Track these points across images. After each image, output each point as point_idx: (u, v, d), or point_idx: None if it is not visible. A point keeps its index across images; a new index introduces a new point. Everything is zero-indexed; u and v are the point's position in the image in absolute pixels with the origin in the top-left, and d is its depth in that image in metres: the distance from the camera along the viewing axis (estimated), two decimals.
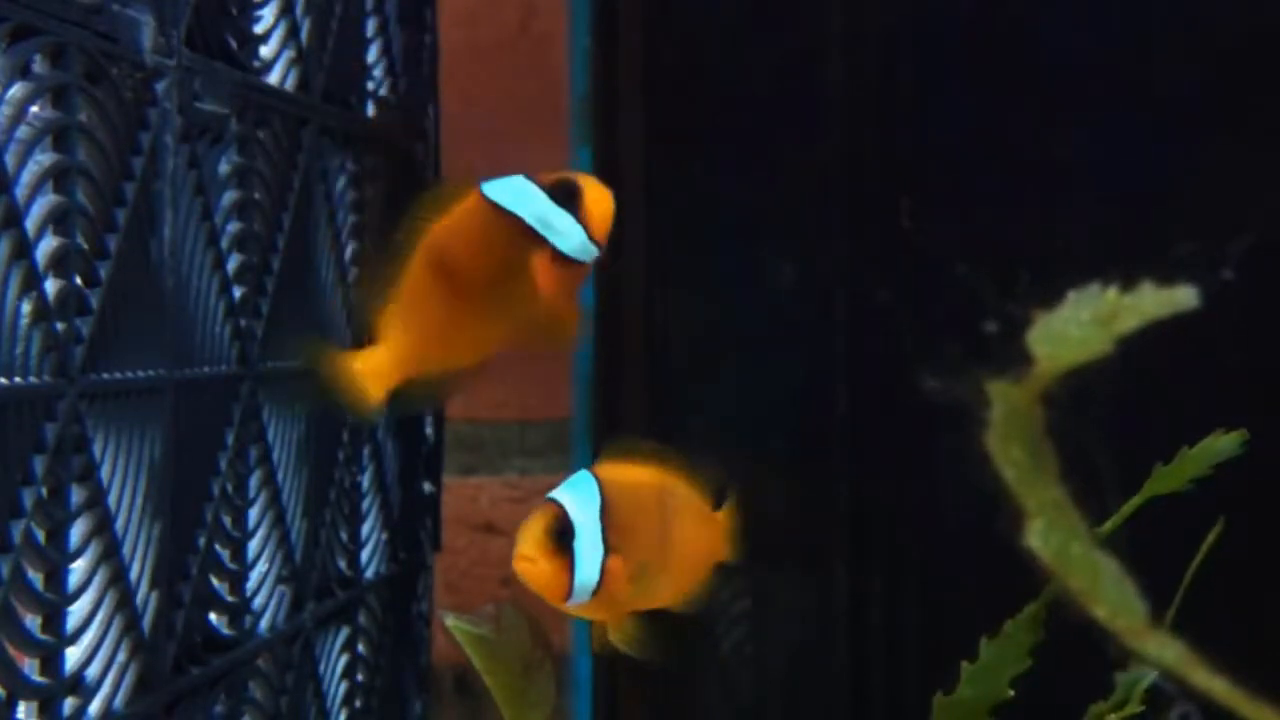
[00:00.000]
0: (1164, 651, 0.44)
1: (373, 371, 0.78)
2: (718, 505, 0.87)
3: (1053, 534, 0.45)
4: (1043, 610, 0.81)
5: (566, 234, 0.81)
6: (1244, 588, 1.22)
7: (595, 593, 0.81)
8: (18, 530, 0.71)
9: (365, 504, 1.18)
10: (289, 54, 1.02)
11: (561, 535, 0.80)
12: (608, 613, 0.84)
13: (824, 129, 1.35)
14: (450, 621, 0.85)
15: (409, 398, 0.80)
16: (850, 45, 1.35)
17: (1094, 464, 1.09)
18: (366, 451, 1.18)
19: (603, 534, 0.81)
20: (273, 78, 1.01)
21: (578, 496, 0.81)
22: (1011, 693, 0.82)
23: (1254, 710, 0.44)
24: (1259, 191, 1.29)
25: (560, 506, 0.80)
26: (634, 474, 0.85)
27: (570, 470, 0.83)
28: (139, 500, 0.82)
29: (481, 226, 0.79)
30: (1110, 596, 0.44)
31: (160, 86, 0.83)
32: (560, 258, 0.81)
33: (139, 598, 0.81)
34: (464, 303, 0.79)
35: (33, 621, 0.73)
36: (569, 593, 0.81)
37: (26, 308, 0.72)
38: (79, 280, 0.76)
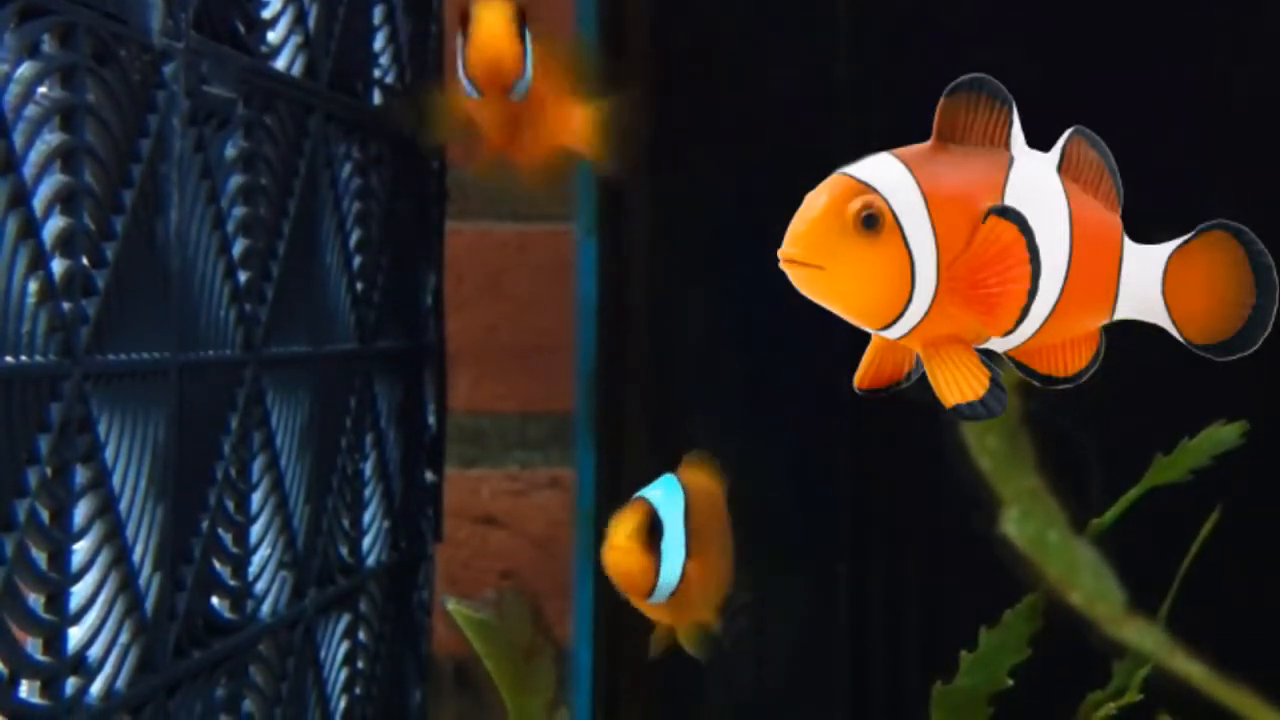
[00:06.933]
0: (1142, 638, 0.44)
1: None
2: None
3: (1028, 522, 0.45)
4: (1041, 601, 0.81)
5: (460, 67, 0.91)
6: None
7: (671, 594, 0.82)
8: (22, 509, 0.71)
9: (367, 492, 1.18)
10: (296, 40, 1.03)
11: (652, 534, 0.81)
12: (676, 615, 0.84)
13: (829, 127, 1.35)
14: (451, 605, 0.86)
15: None
16: (857, 44, 1.35)
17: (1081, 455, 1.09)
18: (369, 439, 1.18)
19: (685, 539, 0.82)
20: (280, 63, 1.01)
21: (667, 499, 0.82)
22: (1010, 682, 0.82)
23: (1231, 695, 0.44)
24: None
25: (651, 506, 0.81)
26: (704, 482, 0.85)
27: (571, 464, 0.84)
28: (143, 482, 0.82)
29: None
30: (1087, 584, 0.45)
31: (168, 69, 0.83)
32: None
33: (142, 580, 0.82)
34: None
35: (36, 600, 0.73)
36: (653, 589, 0.81)
37: (33, 287, 0.72)
38: (85, 261, 0.76)
